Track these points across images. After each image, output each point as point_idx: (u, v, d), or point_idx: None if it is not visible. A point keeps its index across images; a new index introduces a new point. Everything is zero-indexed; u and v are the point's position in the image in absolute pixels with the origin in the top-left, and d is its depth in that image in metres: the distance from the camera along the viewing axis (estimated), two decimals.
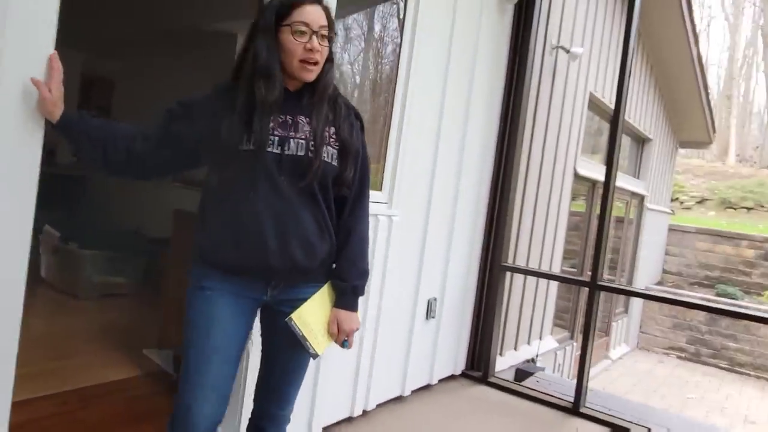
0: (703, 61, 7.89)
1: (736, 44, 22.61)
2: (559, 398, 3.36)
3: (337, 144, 1.44)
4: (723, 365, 8.60)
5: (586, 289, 3.35)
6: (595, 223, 5.56)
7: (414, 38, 2.73)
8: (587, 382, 3.25)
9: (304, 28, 1.36)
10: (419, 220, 3.01)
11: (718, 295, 9.33)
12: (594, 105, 5.60)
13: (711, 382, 7.84)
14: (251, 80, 1.36)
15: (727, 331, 8.64)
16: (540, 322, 5.04)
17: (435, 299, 3.22)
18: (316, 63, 1.39)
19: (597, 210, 5.33)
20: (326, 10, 1.42)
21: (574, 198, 5.58)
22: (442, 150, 3.08)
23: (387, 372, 2.92)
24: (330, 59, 1.46)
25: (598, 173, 5.52)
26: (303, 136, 1.39)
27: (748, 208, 13.05)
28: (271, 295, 1.45)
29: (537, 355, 4.88)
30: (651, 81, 7.59)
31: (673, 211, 11.05)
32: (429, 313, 3.18)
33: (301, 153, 1.38)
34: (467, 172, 3.34)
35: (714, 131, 9.75)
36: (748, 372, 8.41)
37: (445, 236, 3.26)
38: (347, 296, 1.49)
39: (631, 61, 3.18)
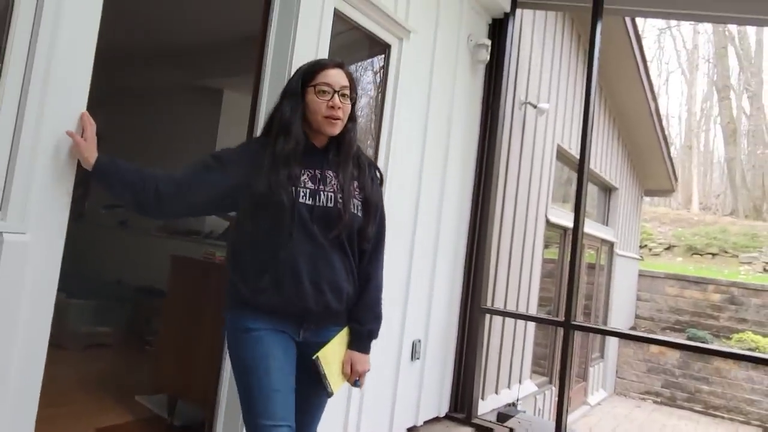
0: (664, 113, 8.44)
1: (692, 98, 23.93)
2: None
3: (360, 197, 1.59)
4: (698, 408, 8.75)
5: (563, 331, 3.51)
6: (566, 271, 5.78)
7: (395, 98, 2.98)
8: (567, 419, 3.37)
9: (326, 88, 1.53)
10: (403, 264, 3.18)
11: (689, 339, 9.58)
12: (562, 156, 5.95)
13: (687, 425, 7.97)
14: (276, 136, 1.53)
15: (700, 374, 8.85)
16: (519, 366, 5.16)
17: (419, 341, 3.35)
18: (338, 118, 1.54)
19: (569, 256, 5.56)
20: (348, 73, 1.59)
21: (547, 246, 5.82)
22: (423, 199, 3.29)
23: (375, 413, 3.00)
24: (352, 119, 1.61)
25: (569, 220, 5.79)
26: (331, 190, 1.54)
27: (713, 254, 13.55)
28: (303, 337, 1.55)
29: (518, 399, 4.97)
30: (614, 133, 8.05)
31: (642, 257, 11.43)
32: (414, 354, 3.29)
33: (330, 205, 1.52)
34: (446, 219, 3.55)
35: (676, 180, 10.26)
36: (722, 414, 8.57)
37: (428, 279, 3.42)
38: (362, 339, 1.61)
39: (593, 114, 3.48)
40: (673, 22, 22.84)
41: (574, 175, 6.60)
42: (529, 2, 4.09)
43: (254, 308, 1.50)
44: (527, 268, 5.13)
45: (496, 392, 4.64)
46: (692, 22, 21.33)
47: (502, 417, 4.21)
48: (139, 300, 4.41)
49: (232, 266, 1.56)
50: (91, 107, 1.59)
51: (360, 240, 1.60)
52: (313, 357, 1.51)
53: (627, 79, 7.04)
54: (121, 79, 5.47)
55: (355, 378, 1.59)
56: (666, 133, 8.85)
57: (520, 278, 4.98)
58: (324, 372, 1.51)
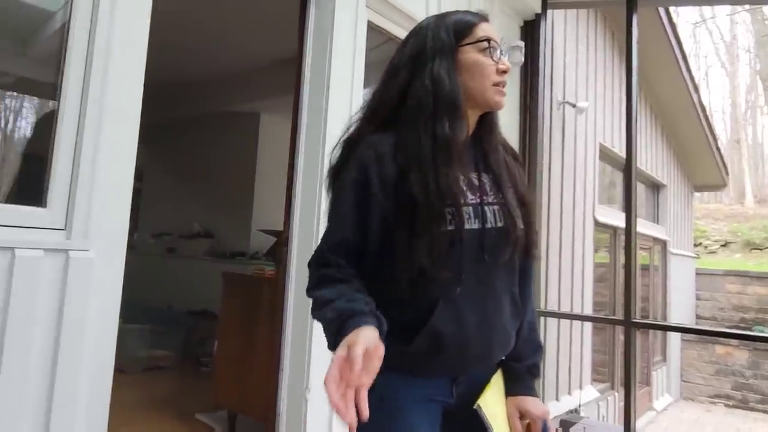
0: (706, 107, 8.15)
1: (736, 89, 23.11)
2: None
3: (520, 201, 1.14)
4: None
5: (622, 338, 3.39)
6: (620, 272, 5.61)
7: None
8: (635, 421, 3.23)
9: (494, 45, 1.09)
10: None
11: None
12: (605, 155, 5.81)
13: (765, 428, 7.53)
14: (433, 118, 1.03)
15: None
16: (578, 371, 5.01)
17: None
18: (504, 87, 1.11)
19: (621, 258, 5.40)
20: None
21: (596, 250, 5.67)
22: None
23: None
24: None
25: (617, 219, 5.64)
26: (495, 200, 1.09)
27: None
28: (456, 394, 1.11)
29: (579, 405, 4.81)
30: (657, 129, 7.83)
31: (697, 255, 10.99)
32: None
33: (500, 224, 1.07)
34: None
35: (727, 174, 9.87)
36: None
37: None
38: (524, 378, 1.18)
39: (636, 110, 3.39)
40: (708, 14, 22.23)
41: (618, 178, 6.45)
42: (559, 2, 4.06)
43: (401, 371, 1.06)
44: (579, 269, 5.00)
45: (557, 399, 4.50)
46: (728, 11, 20.71)
47: (566, 424, 4.06)
48: (191, 323, 4.52)
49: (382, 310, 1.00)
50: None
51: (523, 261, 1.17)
52: (474, 406, 1.10)
53: (666, 72, 6.86)
54: (157, 112, 5.68)
55: (540, 427, 1.15)
56: (712, 126, 8.55)
57: (572, 280, 4.86)
58: (490, 423, 1.10)
